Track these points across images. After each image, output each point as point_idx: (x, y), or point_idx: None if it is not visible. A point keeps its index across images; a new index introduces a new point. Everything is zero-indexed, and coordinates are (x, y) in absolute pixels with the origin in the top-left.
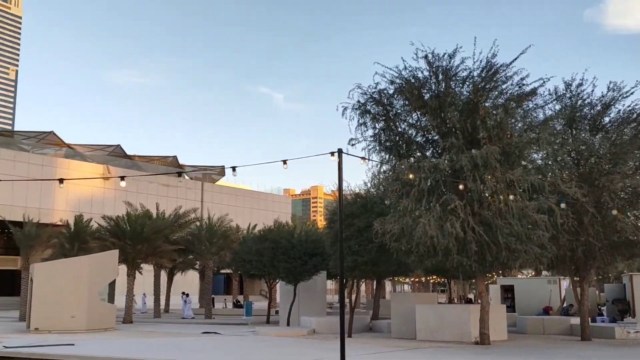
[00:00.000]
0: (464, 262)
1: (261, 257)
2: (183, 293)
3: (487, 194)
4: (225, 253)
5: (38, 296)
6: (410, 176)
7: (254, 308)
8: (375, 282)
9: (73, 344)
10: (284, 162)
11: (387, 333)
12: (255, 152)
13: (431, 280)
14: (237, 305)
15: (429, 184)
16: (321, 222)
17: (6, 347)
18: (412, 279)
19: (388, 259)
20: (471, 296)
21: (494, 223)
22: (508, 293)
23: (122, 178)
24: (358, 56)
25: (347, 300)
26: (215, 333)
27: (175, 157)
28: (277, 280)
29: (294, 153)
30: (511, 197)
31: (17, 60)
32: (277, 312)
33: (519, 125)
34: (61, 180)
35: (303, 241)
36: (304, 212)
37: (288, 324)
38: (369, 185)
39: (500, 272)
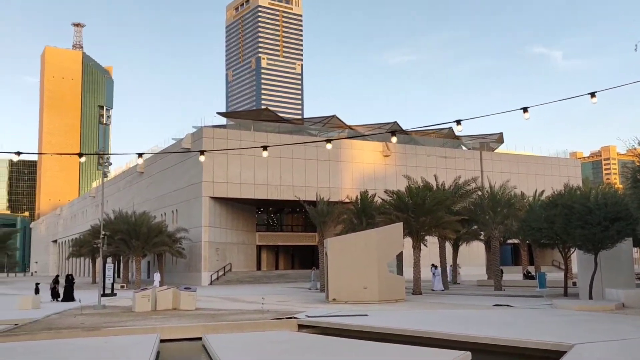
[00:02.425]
0: None
1: (552, 225)
2: (432, 265)
3: None
4: (510, 222)
5: (332, 269)
6: None
7: (546, 279)
8: None
9: (367, 315)
10: (592, 94)
11: None
12: (535, 117)
13: None
14: (527, 276)
15: None
16: (617, 184)
17: (308, 317)
18: None
19: None
20: None
21: None
22: None
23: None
24: None
25: None
26: (507, 305)
27: (451, 128)
28: (573, 249)
29: (578, 113)
30: None
31: (301, 54)
32: (574, 283)
33: None
34: (140, 155)
35: (602, 205)
36: (595, 175)
37: (590, 297)
38: None
39: None
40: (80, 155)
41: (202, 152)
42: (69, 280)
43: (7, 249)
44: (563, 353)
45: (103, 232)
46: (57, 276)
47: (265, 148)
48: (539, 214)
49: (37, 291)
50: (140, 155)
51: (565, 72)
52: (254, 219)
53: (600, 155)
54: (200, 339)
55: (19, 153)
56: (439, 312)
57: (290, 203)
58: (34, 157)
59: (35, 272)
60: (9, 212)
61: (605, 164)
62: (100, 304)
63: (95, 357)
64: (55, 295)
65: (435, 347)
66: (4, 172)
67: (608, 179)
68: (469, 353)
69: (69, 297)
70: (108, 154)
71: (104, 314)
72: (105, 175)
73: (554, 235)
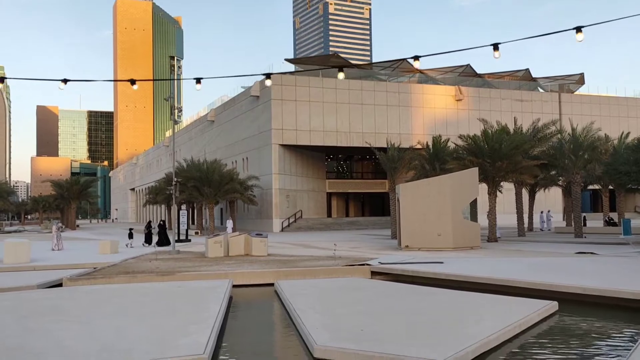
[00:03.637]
0: None
1: None
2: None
3: None
4: (593, 166)
5: (405, 215)
6: None
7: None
8: None
9: (442, 262)
10: None
11: None
12: (620, 56)
13: None
14: (609, 223)
15: None
16: None
17: (381, 263)
18: None
19: None
20: None
21: None
22: None
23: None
24: None
25: None
26: (591, 253)
27: (527, 70)
28: None
29: None
30: None
31: None
32: None
33: None
34: (133, 82)
35: None
36: None
37: None
38: None
39: None
40: (133, 82)
41: (268, 76)
42: (162, 226)
43: (89, 197)
44: None
45: (175, 179)
46: (150, 222)
47: (341, 69)
48: (626, 158)
49: (130, 236)
50: (198, 80)
51: None
52: (323, 166)
53: None
54: (272, 285)
55: (65, 81)
56: (518, 259)
57: (360, 150)
58: (111, 109)
59: (116, 218)
60: (89, 161)
61: None
62: (175, 249)
63: (169, 301)
64: (149, 239)
65: (517, 296)
66: (83, 124)
67: None
68: (555, 303)
69: (164, 241)
70: (159, 79)
71: (178, 259)
72: (176, 123)
73: None
